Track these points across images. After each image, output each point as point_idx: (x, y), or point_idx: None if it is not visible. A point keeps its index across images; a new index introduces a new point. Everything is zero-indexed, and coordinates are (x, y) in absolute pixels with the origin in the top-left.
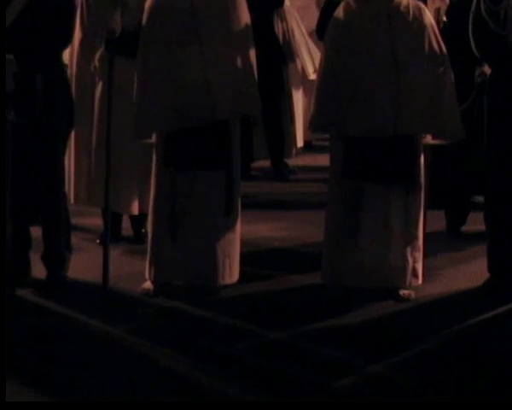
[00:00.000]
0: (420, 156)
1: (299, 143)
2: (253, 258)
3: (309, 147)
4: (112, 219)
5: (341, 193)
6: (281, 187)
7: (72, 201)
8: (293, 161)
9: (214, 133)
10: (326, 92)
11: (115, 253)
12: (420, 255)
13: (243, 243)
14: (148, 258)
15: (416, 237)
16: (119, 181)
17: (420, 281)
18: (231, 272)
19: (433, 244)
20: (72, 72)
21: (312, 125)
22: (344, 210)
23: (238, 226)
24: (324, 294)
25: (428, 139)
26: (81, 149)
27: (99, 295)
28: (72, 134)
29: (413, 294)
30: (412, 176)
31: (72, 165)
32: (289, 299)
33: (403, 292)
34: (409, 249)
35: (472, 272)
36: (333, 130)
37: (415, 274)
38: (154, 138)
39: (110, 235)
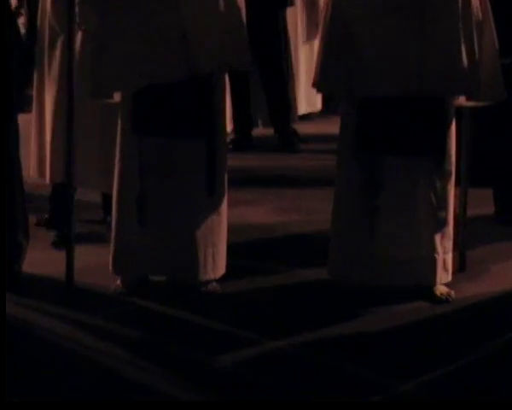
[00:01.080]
0: (451, 123)
1: (304, 105)
2: (251, 248)
3: (326, 110)
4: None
5: (353, 169)
6: (288, 160)
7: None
8: (304, 128)
9: (192, 93)
10: (334, 44)
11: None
12: (450, 245)
13: (239, 228)
14: (111, 248)
15: (446, 223)
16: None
17: (450, 276)
18: (215, 265)
19: (478, 232)
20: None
21: (317, 84)
22: (356, 190)
23: (224, 208)
24: (338, 293)
25: (462, 101)
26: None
27: (62, 293)
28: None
29: (453, 293)
30: (441, 147)
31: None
32: (293, 299)
33: (440, 291)
34: (438, 238)
35: None
36: (343, 90)
37: (445, 267)
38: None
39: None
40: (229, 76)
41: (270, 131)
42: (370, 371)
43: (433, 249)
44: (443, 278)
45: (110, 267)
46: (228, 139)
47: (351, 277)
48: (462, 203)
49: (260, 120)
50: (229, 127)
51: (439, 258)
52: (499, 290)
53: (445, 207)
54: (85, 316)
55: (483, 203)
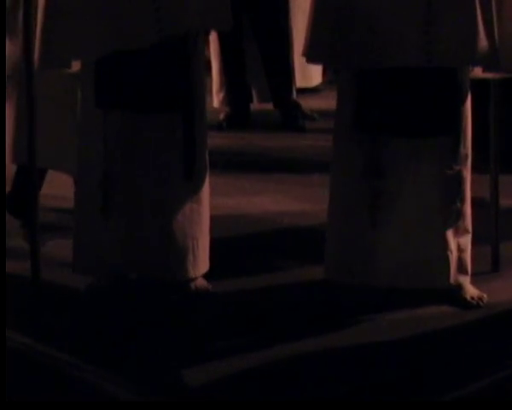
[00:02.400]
0: (465, 99)
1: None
2: (247, 243)
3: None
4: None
5: (352, 153)
6: (292, 140)
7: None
8: (311, 103)
9: (165, 60)
10: (328, 8)
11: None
12: (468, 241)
13: (234, 221)
14: (73, 242)
15: (460, 216)
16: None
17: (469, 276)
18: (196, 261)
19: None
20: None
21: (309, 53)
22: (355, 177)
23: (205, 195)
24: (340, 294)
25: (478, 72)
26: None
27: (26, 292)
28: None
29: (485, 297)
30: (454, 127)
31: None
32: (288, 302)
33: (470, 294)
34: (450, 233)
35: None
36: (339, 61)
37: (462, 267)
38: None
39: None
40: (220, 41)
41: (269, 106)
42: (375, 388)
43: (446, 246)
44: (459, 278)
45: (72, 265)
46: (221, 116)
47: (350, 277)
48: (493, 192)
49: (256, 93)
50: (220, 102)
51: (453, 256)
52: None
53: (459, 198)
54: (50, 318)
55: None
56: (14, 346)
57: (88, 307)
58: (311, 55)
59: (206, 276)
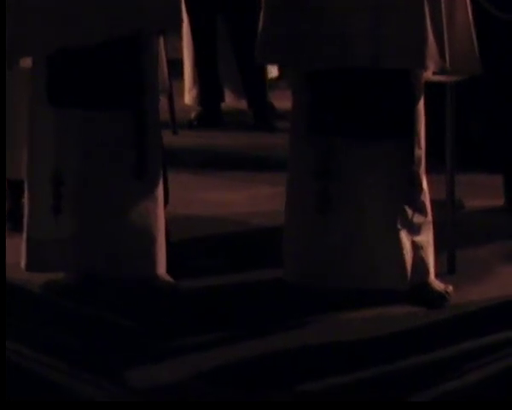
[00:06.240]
0: (419, 101)
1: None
2: (217, 244)
3: None
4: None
5: (305, 153)
6: (264, 139)
7: None
8: (281, 103)
9: (116, 57)
10: (278, 8)
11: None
12: (428, 238)
13: (204, 221)
14: (25, 240)
15: (417, 214)
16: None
17: (432, 276)
18: (151, 261)
19: (484, 226)
20: None
21: (260, 53)
22: (309, 177)
23: (159, 193)
24: (302, 296)
25: (429, 74)
26: None
27: None
28: None
29: (451, 288)
30: (408, 128)
31: None
32: (251, 301)
33: (436, 290)
34: (405, 233)
35: None
36: (289, 61)
37: (423, 265)
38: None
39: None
40: (193, 40)
41: (241, 105)
42: (342, 388)
43: (400, 247)
44: (421, 278)
45: (21, 261)
46: (193, 114)
47: (306, 279)
48: (449, 193)
49: (229, 92)
50: (193, 99)
51: (407, 257)
52: (506, 296)
53: (414, 198)
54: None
55: (491, 193)
56: None
57: (47, 305)
58: (262, 55)
59: (173, 275)
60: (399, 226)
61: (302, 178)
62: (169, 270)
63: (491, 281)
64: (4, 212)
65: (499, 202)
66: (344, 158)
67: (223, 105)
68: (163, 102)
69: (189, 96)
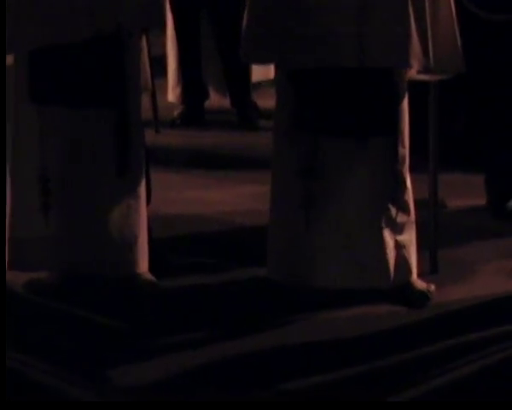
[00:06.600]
0: (403, 99)
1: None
2: (201, 242)
3: None
4: None
5: (290, 152)
6: (247, 138)
7: None
8: (264, 101)
9: (98, 54)
10: (263, 7)
11: None
12: (411, 239)
13: (188, 219)
14: (9, 239)
15: (400, 214)
16: None
17: (415, 275)
18: (135, 257)
19: (467, 226)
20: None
21: (244, 52)
22: (293, 176)
23: (142, 191)
24: (287, 295)
25: (412, 73)
26: None
27: None
28: None
29: (433, 287)
30: (392, 127)
31: None
32: (232, 300)
33: (418, 290)
34: (388, 232)
35: None
36: (273, 60)
37: (405, 264)
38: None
39: None
40: (177, 38)
41: (224, 103)
42: (323, 387)
43: (383, 246)
44: (403, 277)
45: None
46: (176, 112)
47: (290, 277)
48: (431, 192)
49: (212, 91)
50: (176, 97)
51: (390, 256)
52: (487, 295)
53: (397, 197)
54: None
55: (472, 192)
56: None
57: (30, 304)
58: (247, 54)
59: (156, 274)
60: (383, 225)
61: (286, 176)
62: (152, 268)
63: (474, 281)
64: (4, 212)
65: (481, 201)
66: (328, 156)
67: (206, 104)
68: (145, 100)
69: (172, 94)
